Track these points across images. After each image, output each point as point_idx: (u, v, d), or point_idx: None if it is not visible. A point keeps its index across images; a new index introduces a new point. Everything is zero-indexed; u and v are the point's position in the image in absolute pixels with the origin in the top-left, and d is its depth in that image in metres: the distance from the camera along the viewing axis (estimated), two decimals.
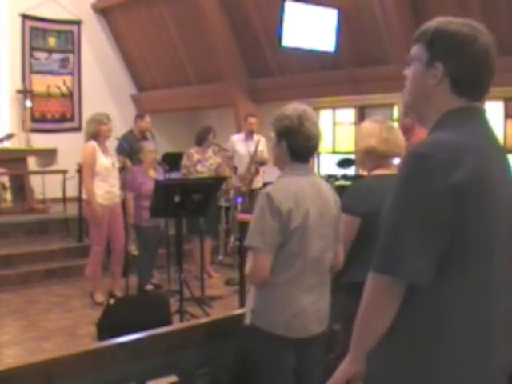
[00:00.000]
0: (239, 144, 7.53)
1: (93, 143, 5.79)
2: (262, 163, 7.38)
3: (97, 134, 5.81)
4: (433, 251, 1.46)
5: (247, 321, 2.57)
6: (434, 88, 1.59)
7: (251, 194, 7.05)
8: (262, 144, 7.34)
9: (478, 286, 1.51)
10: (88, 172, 5.76)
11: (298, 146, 2.52)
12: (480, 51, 1.55)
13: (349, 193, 2.93)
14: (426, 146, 1.53)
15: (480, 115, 1.62)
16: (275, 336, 2.49)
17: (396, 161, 2.99)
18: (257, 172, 7.32)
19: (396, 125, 3.30)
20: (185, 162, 6.81)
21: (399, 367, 1.54)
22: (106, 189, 5.80)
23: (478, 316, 1.52)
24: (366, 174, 3.11)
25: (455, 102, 1.58)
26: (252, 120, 7.56)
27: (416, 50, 1.63)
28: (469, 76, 1.57)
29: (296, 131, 2.50)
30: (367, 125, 2.99)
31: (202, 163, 6.78)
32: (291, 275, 2.48)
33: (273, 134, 2.60)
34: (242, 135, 7.71)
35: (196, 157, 6.78)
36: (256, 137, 7.45)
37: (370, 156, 2.91)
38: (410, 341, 1.53)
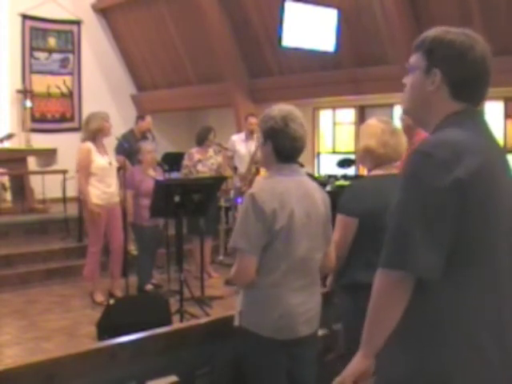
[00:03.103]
0: (240, 144, 7.54)
1: (88, 144, 5.76)
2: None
3: (99, 131, 5.78)
4: (441, 246, 1.50)
5: (236, 323, 2.56)
6: (433, 94, 1.64)
7: None
8: None
9: (481, 282, 1.55)
10: (83, 173, 5.76)
11: (283, 146, 2.51)
12: (477, 58, 1.60)
13: (346, 193, 2.92)
14: (429, 145, 1.57)
15: (479, 117, 1.66)
16: (263, 338, 2.46)
17: (396, 163, 2.98)
18: (257, 172, 7.32)
19: (399, 124, 3.30)
20: (186, 162, 6.81)
21: (409, 364, 1.56)
22: (103, 189, 5.78)
23: (484, 312, 1.55)
24: (366, 172, 3.11)
25: (454, 106, 1.63)
26: (252, 120, 7.58)
27: (415, 58, 1.69)
28: (466, 82, 1.62)
29: (281, 132, 2.50)
30: (372, 123, 2.96)
31: (202, 163, 6.78)
32: (277, 276, 2.46)
33: (259, 135, 2.60)
34: (242, 135, 7.72)
35: (197, 157, 6.78)
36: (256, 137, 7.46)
37: (369, 156, 2.89)
38: (418, 337, 1.56)
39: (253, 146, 7.30)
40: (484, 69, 1.62)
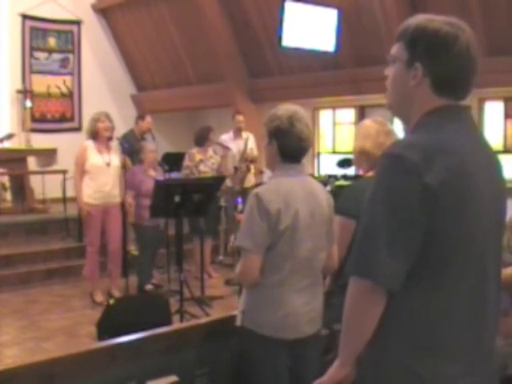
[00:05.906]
0: (229, 143, 7.52)
1: (87, 142, 5.83)
2: (252, 161, 7.39)
3: (95, 133, 5.84)
4: (404, 255, 1.45)
5: (238, 322, 2.56)
6: (415, 89, 1.56)
7: (244, 194, 7.05)
8: (251, 141, 7.36)
9: (458, 286, 1.49)
10: (77, 171, 5.85)
11: (288, 146, 2.51)
12: (461, 50, 1.51)
13: (343, 195, 2.91)
14: (400, 147, 1.52)
15: (462, 114, 1.58)
16: (266, 337, 2.47)
17: None
18: (248, 170, 7.32)
19: (400, 125, 3.29)
20: (187, 162, 6.80)
21: (387, 372, 1.52)
22: (96, 188, 5.80)
23: (461, 317, 1.50)
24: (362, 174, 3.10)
25: (436, 101, 1.55)
26: (239, 118, 7.60)
27: (396, 49, 1.60)
28: (450, 76, 1.54)
29: (286, 132, 2.49)
30: (366, 124, 2.95)
31: (204, 163, 6.78)
32: (282, 276, 2.47)
33: (264, 134, 2.60)
34: (230, 134, 7.72)
35: (198, 157, 6.78)
36: (245, 134, 7.46)
37: (364, 157, 2.88)
38: (396, 345, 1.50)
39: (242, 144, 7.31)
40: (469, 59, 1.53)
